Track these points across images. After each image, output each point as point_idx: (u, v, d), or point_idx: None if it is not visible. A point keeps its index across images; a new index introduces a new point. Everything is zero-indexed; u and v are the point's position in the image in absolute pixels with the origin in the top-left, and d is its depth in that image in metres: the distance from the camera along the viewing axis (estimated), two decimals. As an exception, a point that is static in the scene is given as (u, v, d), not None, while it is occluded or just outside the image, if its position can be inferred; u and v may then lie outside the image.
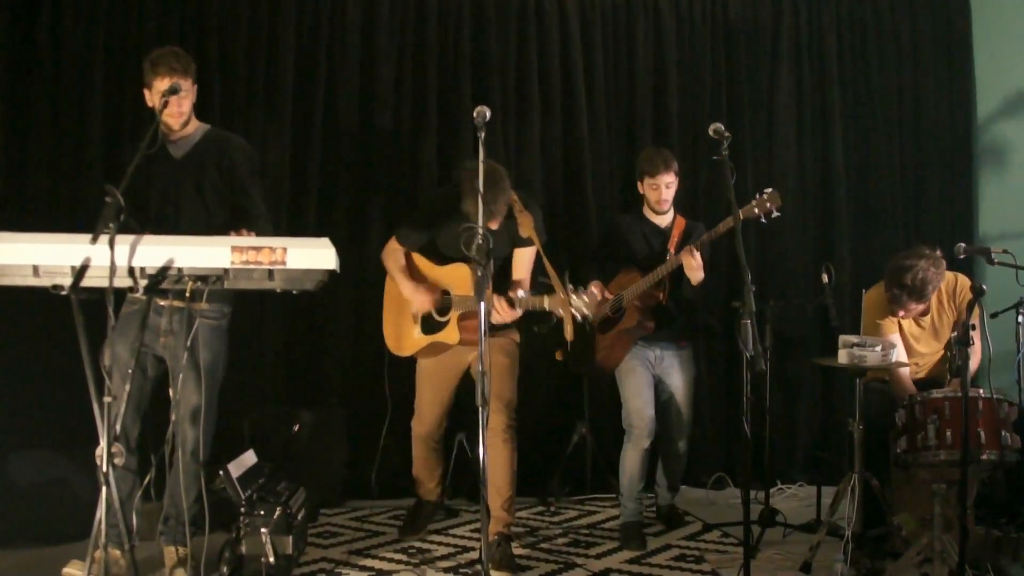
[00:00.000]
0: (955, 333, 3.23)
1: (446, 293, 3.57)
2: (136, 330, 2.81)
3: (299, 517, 3.21)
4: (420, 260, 3.68)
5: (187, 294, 2.48)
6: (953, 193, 5.27)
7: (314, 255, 2.48)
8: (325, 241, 2.51)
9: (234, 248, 2.45)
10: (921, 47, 5.32)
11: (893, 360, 3.30)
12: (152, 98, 3.14)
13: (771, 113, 5.15)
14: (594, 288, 3.44)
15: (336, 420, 4.29)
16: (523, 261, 3.58)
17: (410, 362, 3.76)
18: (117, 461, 2.32)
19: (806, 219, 5.15)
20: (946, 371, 3.54)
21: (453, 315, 3.51)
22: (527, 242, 3.47)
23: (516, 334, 3.64)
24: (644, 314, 3.77)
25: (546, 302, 3.28)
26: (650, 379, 3.84)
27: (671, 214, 3.92)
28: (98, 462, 2.30)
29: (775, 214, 3.51)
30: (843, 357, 3.25)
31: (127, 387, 2.52)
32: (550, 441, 4.59)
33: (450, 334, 3.51)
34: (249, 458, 3.33)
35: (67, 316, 2.32)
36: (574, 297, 3.12)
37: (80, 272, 2.33)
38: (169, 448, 2.84)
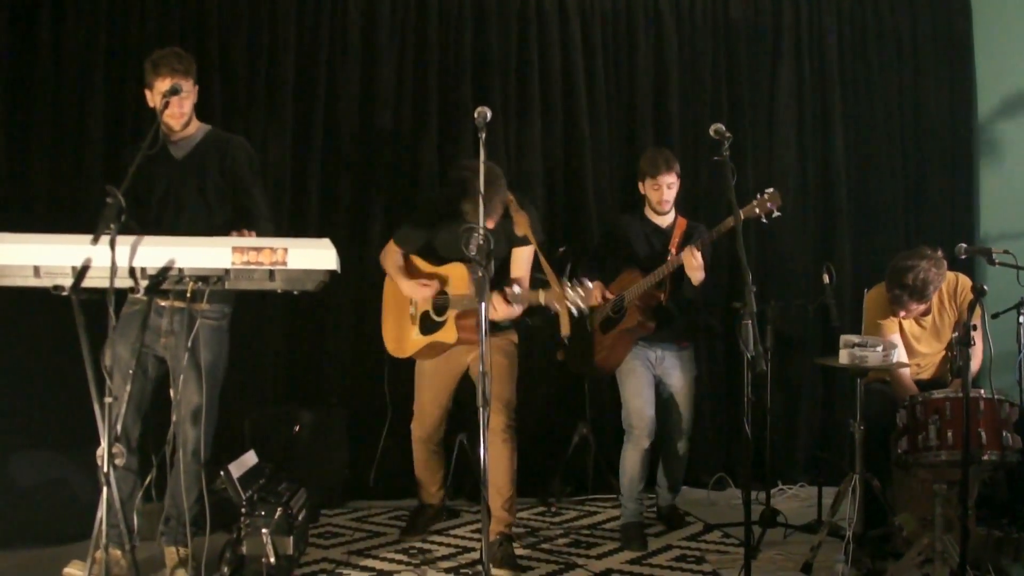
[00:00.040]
0: (956, 333, 3.23)
1: (443, 293, 3.57)
2: (137, 330, 2.81)
3: (300, 517, 3.21)
4: (418, 260, 3.68)
5: (188, 295, 2.48)
6: (953, 193, 5.27)
7: (315, 255, 2.48)
8: (326, 241, 2.51)
9: (235, 249, 2.45)
10: (921, 47, 5.32)
11: (894, 360, 3.30)
12: (153, 99, 3.15)
13: (771, 113, 5.14)
14: (594, 288, 3.43)
15: (337, 420, 4.29)
16: (521, 260, 3.58)
17: (410, 363, 3.76)
18: (118, 461, 2.32)
19: (807, 219, 5.15)
20: (948, 372, 3.54)
21: (450, 314, 3.51)
22: (524, 241, 3.47)
23: (514, 335, 3.64)
24: (645, 314, 3.77)
25: (541, 296, 3.27)
26: (651, 379, 3.83)
27: (672, 214, 3.92)
28: (99, 462, 2.30)
29: (776, 214, 3.51)
30: (844, 357, 3.24)
31: (128, 387, 2.53)
32: (551, 441, 4.59)
33: (448, 333, 3.51)
34: (250, 458, 3.33)
35: (68, 317, 2.31)
36: (569, 290, 3.11)
37: (81, 273, 2.33)
38: (170, 448, 2.84)
